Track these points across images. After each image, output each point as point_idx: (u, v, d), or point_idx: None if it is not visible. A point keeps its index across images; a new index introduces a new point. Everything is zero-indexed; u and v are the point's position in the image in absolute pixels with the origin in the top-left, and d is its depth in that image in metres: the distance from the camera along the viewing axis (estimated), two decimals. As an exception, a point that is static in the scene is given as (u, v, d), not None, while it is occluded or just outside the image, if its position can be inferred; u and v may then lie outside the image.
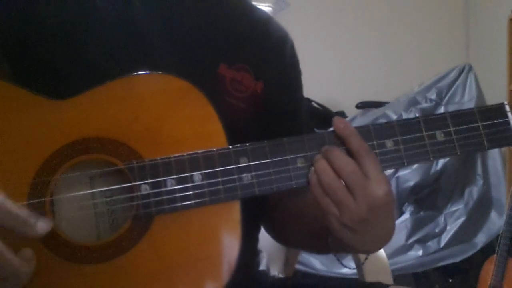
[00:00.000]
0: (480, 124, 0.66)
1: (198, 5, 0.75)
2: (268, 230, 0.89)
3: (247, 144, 0.62)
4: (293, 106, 0.84)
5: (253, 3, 0.92)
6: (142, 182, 0.60)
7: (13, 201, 0.51)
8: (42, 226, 0.53)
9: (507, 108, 0.66)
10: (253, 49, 0.78)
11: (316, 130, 2.32)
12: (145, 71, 0.63)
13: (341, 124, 0.62)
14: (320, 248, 0.77)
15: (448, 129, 0.65)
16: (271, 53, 0.81)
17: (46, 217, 0.57)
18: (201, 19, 0.75)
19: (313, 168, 0.62)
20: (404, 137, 0.64)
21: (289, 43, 0.85)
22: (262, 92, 0.77)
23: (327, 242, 0.69)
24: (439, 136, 0.65)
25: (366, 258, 0.77)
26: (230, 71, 0.74)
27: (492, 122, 0.66)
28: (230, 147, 0.62)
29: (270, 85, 0.78)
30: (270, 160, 0.62)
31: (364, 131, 0.64)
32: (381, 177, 0.60)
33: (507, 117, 0.66)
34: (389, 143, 0.64)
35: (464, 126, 0.65)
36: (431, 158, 0.65)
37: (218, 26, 0.76)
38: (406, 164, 0.65)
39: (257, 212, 0.84)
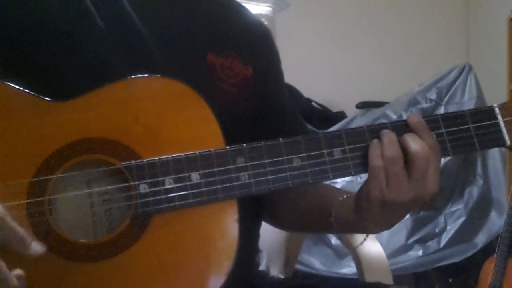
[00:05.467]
0: (471, 126, 0.67)
1: (182, 2, 0.78)
2: (269, 219, 0.92)
3: (244, 144, 0.63)
4: (279, 91, 0.88)
5: (253, 3, 0.93)
6: (141, 181, 0.60)
7: (13, 201, 0.52)
8: (36, 248, 0.55)
9: (497, 110, 0.68)
10: (238, 37, 0.81)
11: (316, 130, 2.33)
12: (143, 74, 0.64)
13: (416, 118, 0.66)
14: (321, 227, 0.81)
15: (440, 131, 0.67)
16: (254, 40, 0.84)
17: (45, 220, 0.58)
18: (186, 13, 0.78)
19: (375, 140, 0.64)
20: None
21: (268, 31, 0.89)
22: (252, 77, 0.80)
23: (328, 221, 0.74)
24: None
25: (364, 239, 0.82)
26: (219, 58, 0.77)
27: (483, 124, 0.67)
28: (228, 147, 0.63)
29: (258, 70, 0.81)
30: (267, 160, 0.63)
31: (358, 132, 0.66)
32: (438, 179, 0.64)
33: (497, 119, 0.68)
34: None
35: (456, 128, 0.67)
36: None
37: (202, 19, 0.79)
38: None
39: (257, 209, 0.85)
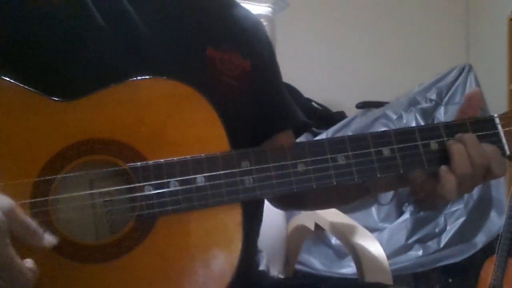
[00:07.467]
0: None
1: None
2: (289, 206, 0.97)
3: (249, 149, 0.63)
4: (276, 84, 0.89)
5: (253, 3, 0.93)
6: (146, 183, 0.60)
7: (18, 200, 0.52)
8: (49, 239, 0.54)
9: (497, 120, 0.68)
10: (235, 31, 0.82)
11: (316, 130, 2.33)
12: (145, 73, 0.64)
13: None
14: (356, 197, 0.83)
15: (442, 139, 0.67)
16: (250, 34, 0.85)
17: (49, 220, 0.58)
18: (184, 9, 0.78)
19: (455, 146, 0.65)
20: (401, 145, 0.66)
21: (262, 27, 0.90)
22: (251, 70, 0.81)
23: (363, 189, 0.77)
24: (433, 145, 0.67)
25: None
26: (218, 52, 0.78)
27: (482, 133, 0.67)
28: (233, 151, 0.63)
29: (256, 63, 0.82)
30: (272, 164, 0.63)
31: (361, 138, 0.66)
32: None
33: (497, 129, 0.68)
34: (385, 151, 0.66)
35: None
36: (426, 167, 0.67)
37: (200, 15, 0.80)
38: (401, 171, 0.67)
39: (257, 209, 0.85)
